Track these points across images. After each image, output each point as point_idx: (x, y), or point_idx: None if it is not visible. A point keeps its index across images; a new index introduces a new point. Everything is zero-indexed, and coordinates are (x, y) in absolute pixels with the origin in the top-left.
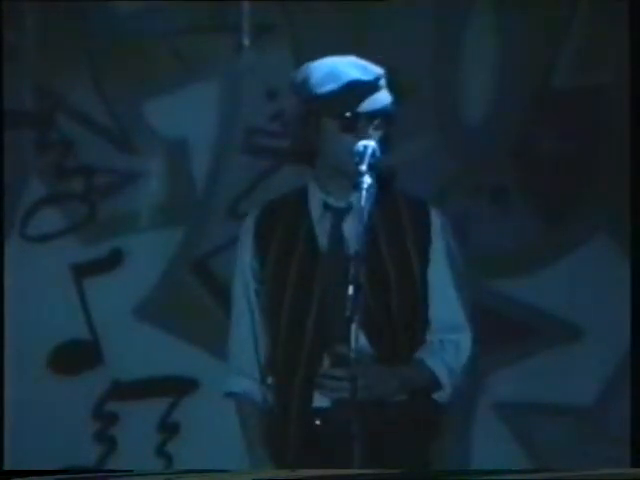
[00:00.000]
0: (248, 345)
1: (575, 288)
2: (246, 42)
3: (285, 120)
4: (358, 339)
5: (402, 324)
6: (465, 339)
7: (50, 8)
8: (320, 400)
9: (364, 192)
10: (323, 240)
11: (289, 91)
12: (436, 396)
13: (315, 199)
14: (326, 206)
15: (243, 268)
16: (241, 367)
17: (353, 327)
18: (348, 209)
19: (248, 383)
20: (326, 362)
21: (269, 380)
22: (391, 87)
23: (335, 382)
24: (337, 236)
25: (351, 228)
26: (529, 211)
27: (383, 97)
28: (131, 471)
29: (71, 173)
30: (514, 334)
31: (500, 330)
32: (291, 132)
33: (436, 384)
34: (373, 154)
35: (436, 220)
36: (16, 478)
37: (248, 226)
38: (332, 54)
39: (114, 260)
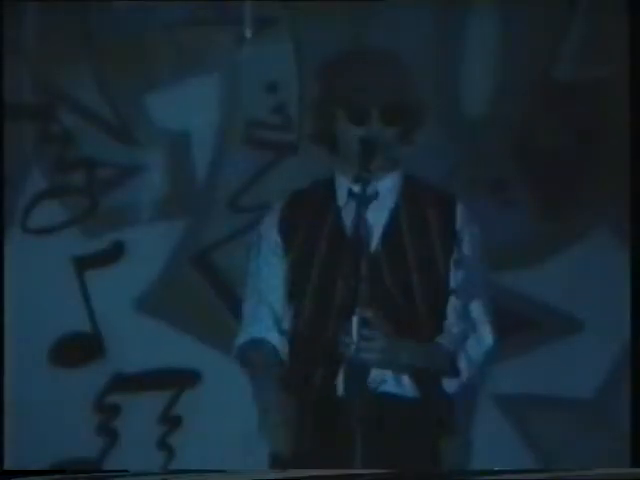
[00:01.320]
0: (266, 315)
1: (575, 281)
2: (247, 35)
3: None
4: (378, 328)
5: (422, 314)
6: (486, 333)
7: (51, 1)
8: (341, 388)
9: (382, 183)
10: (347, 227)
11: (314, 76)
12: (448, 385)
13: (341, 186)
14: (351, 194)
15: (265, 244)
16: (257, 317)
17: (354, 319)
18: (372, 197)
19: (259, 329)
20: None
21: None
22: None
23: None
24: (361, 224)
25: (376, 216)
26: (529, 204)
27: (395, 91)
28: (126, 471)
29: (72, 166)
30: (514, 327)
31: (500, 323)
32: (313, 117)
33: (453, 369)
34: (387, 146)
35: (462, 215)
36: (16, 478)
37: (274, 211)
38: (333, 47)
39: (115, 253)
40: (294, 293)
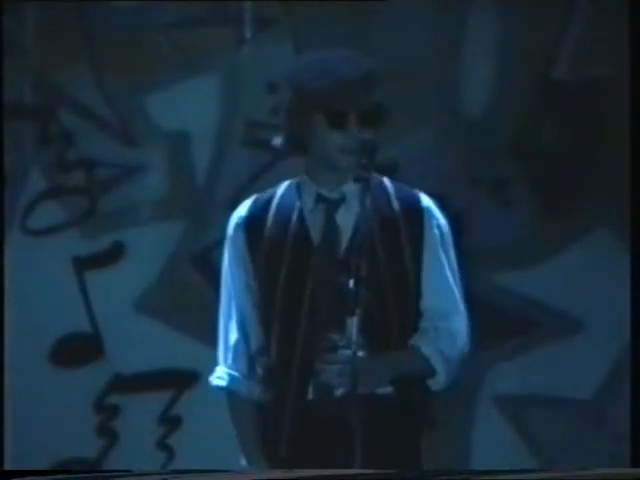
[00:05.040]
0: (238, 339)
1: (575, 281)
2: (247, 35)
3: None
4: (351, 330)
5: (395, 313)
6: (460, 327)
7: (51, 1)
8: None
9: (361, 185)
10: (315, 232)
11: (286, 84)
12: (430, 383)
13: (308, 191)
14: (319, 197)
15: (233, 262)
16: (227, 360)
17: (354, 320)
18: (341, 200)
19: (235, 379)
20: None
21: (259, 372)
22: (386, 82)
23: (326, 366)
24: (331, 227)
25: (344, 220)
26: (529, 204)
27: (375, 94)
28: (129, 471)
29: (72, 166)
30: (514, 327)
31: (500, 323)
32: (284, 125)
33: (430, 371)
34: (365, 149)
35: (428, 209)
36: (16, 478)
37: (238, 221)
38: (332, 47)
39: (115, 253)
40: (263, 304)
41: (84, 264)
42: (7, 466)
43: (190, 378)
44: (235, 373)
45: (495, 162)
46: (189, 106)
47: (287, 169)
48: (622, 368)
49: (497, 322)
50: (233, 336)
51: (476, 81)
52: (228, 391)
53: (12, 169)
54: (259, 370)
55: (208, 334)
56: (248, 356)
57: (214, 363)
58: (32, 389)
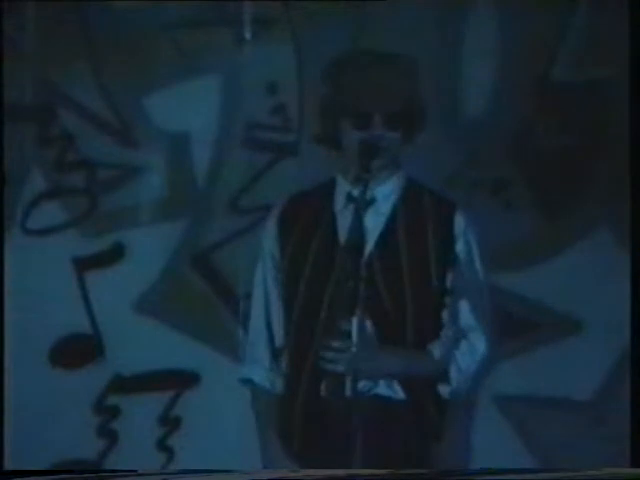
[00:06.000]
0: (262, 332)
1: (575, 282)
2: (247, 36)
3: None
4: (366, 333)
5: (415, 320)
6: (480, 340)
7: (51, 1)
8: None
9: (381, 188)
10: (342, 232)
11: (322, 82)
12: (441, 390)
13: (341, 190)
14: (349, 197)
15: (264, 255)
16: (255, 354)
17: (354, 320)
18: (371, 202)
19: (259, 371)
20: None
21: (282, 366)
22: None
23: (333, 353)
24: (357, 229)
25: (372, 222)
26: (529, 205)
27: (399, 96)
28: (134, 471)
29: (72, 167)
30: (514, 328)
31: (500, 324)
32: (317, 117)
33: (442, 377)
34: (388, 149)
35: (460, 222)
36: (16, 478)
37: (273, 214)
38: (332, 47)
39: (115, 254)
40: (287, 299)
41: (84, 264)
42: (7, 466)
43: (190, 378)
44: (260, 367)
45: (495, 163)
46: (189, 107)
47: (287, 170)
48: (622, 368)
49: (496, 322)
50: (260, 329)
51: (476, 81)
52: (253, 384)
53: (12, 169)
54: (282, 364)
55: (208, 334)
56: (272, 350)
57: (214, 363)
58: (32, 389)
